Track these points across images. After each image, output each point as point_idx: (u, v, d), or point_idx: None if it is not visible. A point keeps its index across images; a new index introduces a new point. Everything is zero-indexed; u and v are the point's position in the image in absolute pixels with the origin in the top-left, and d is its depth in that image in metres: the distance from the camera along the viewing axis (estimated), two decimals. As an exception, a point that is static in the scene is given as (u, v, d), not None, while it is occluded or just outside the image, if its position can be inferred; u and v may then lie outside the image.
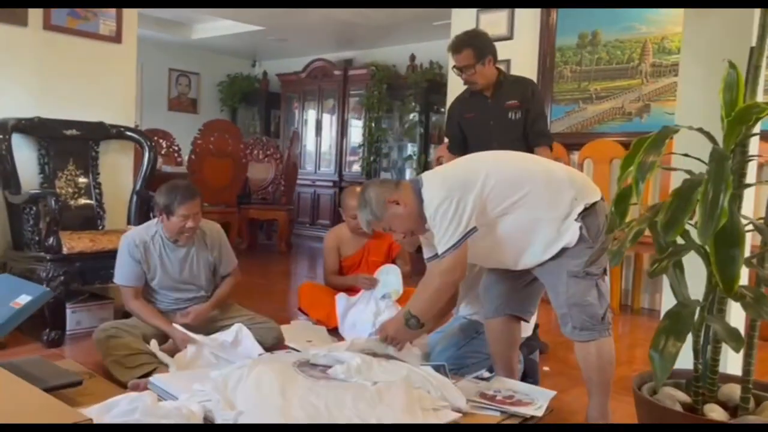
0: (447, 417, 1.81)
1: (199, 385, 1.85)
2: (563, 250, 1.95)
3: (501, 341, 2.21)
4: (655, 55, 4.37)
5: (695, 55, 2.12)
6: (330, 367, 1.92)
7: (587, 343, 1.97)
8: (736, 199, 1.46)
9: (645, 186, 1.42)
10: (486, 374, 2.16)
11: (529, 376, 2.56)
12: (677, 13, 4.17)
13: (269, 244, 6.93)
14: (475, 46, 2.84)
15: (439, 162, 5.79)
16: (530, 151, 2.78)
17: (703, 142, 1.57)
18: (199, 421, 1.66)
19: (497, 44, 2.98)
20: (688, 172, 1.56)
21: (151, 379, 2.01)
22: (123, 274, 2.66)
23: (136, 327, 2.57)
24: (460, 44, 2.86)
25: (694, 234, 1.54)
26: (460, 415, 1.86)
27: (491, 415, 1.94)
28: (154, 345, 2.45)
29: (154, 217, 3.54)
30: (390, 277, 3.26)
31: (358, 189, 3.67)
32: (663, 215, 1.39)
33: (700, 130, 1.49)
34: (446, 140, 3.35)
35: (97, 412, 1.61)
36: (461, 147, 3.01)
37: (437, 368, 2.07)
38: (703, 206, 1.31)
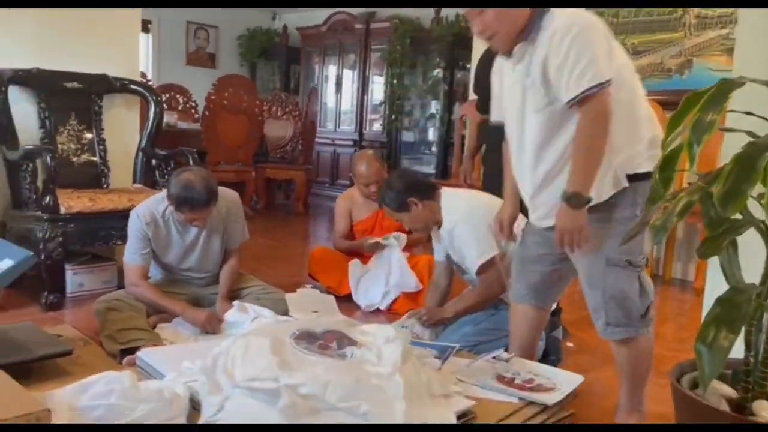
0: (459, 405, 1.62)
1: (189, 363, 1.68)
2: (612, 208, 1.65)
3: (523, 326, 2.00)
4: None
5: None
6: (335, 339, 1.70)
7: (622, 343, 1.74)
8: (810, 167, 1.22)
9: (700, 150, 1.18)
10: (504, 354, 1.96)
11: (551, 354, 2.38)
12: (728, -41, 3.80)
13: (286, 204, 6.77)
14: None
15: (462, 121, 5.56)
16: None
17: (765, 99, 1.33)
18: (184, 404, 1.49)
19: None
20: (750, 133, 1.32)
21: (139, 353, 1.85)
22: (130, 252, 2.48)
23: None
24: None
25: (752, 207, 1.32)
26: (474, 402, 1.67)
27: (508, 401, 1.74)
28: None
29: (161, 182, 3.39)
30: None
31: (371, 152, 3.49)
32: (720, 185, 1.16)
33: (769, 83, 1.24)
34: (472, 97, 3.09)
35: (70, 394, 1.46)
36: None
37: (444, 349, 1.88)
38: (773, 175, 1.08)
